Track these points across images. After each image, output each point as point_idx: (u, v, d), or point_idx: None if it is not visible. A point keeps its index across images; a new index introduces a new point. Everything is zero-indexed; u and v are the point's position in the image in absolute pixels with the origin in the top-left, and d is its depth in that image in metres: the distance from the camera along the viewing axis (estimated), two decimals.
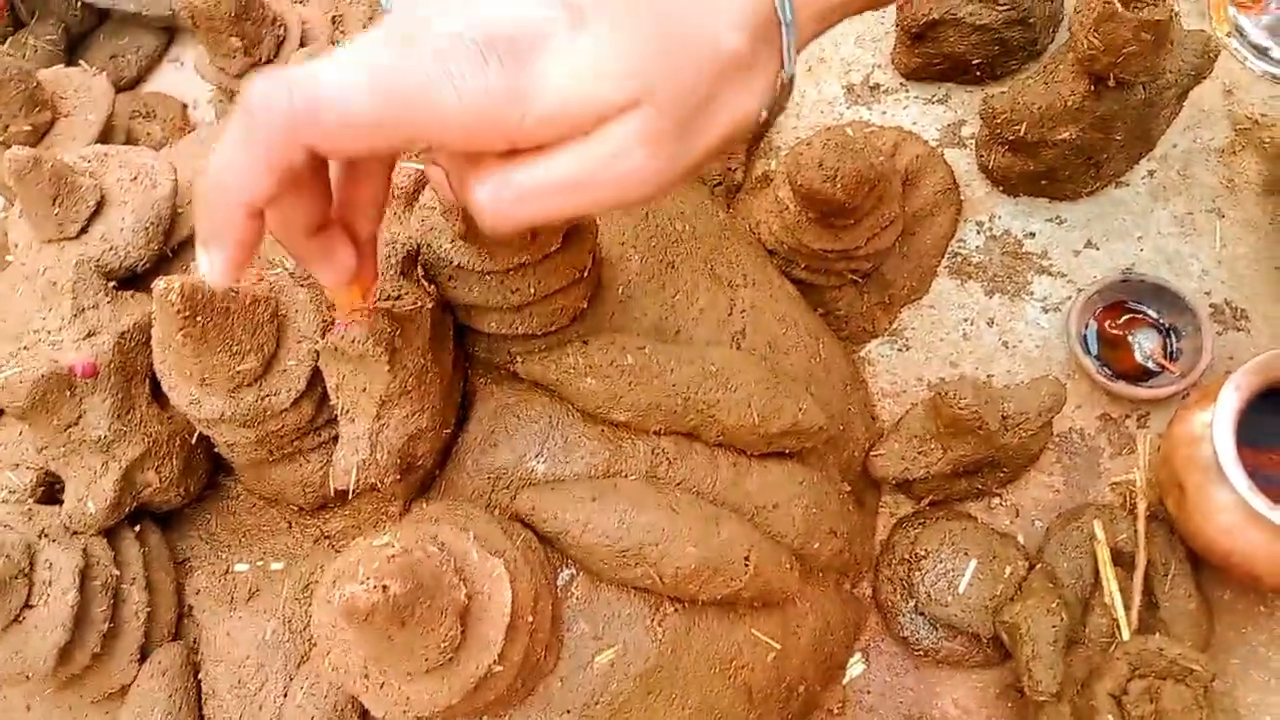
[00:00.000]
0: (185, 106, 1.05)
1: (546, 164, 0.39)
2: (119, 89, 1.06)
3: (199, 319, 0.55)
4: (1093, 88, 0.82)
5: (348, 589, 0.49)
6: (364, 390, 0.59)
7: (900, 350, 0.91)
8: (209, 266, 0.42)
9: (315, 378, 0.62)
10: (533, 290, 0.65)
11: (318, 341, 0.60)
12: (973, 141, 0.96)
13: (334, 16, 0.99)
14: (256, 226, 0.41)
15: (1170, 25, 0.77)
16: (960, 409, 0.75)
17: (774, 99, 0.44)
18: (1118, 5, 0.76)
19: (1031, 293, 0.91)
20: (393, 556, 0.52)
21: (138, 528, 0.67)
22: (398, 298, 0.60)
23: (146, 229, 0.67)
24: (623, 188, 0.40)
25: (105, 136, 0.87)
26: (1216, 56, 0.87)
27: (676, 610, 0.67)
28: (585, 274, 0.68)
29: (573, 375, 0.67)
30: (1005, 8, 0.90)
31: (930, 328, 0.91)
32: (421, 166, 0.74)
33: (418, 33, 0.37)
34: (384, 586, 0.49)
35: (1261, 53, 0.99)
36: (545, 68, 0.38)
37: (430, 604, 0.52)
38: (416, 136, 0.38)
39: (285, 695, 0.64)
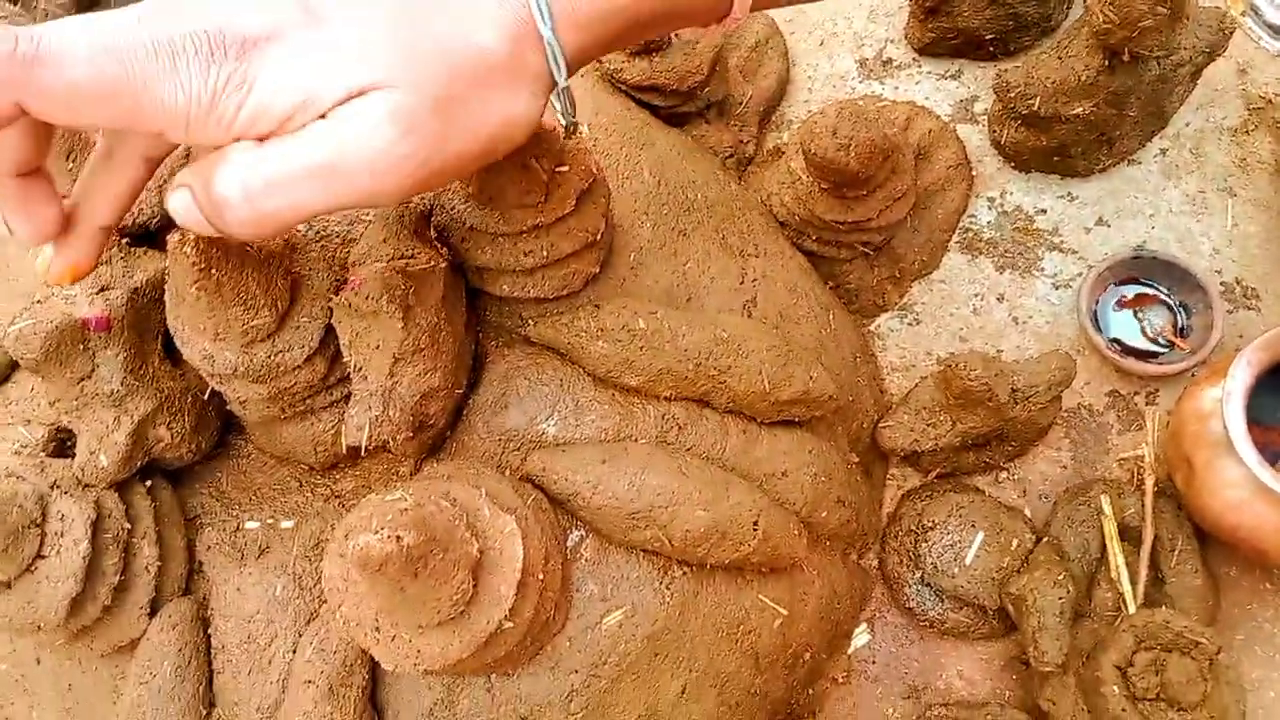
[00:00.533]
0: None
1: (293, 143, 0.39)
2: None
3: (213, 271, 0.55)
4: (1107, 63, 0.82)
5: (362, 539, 0.49)
6: (377, 347, 0.59)
7: (910, 325, 0.91)
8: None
9: (329, 335, 0.62)
10: (545, 254, 0.65)
11: (332, 298, 0.60)
12: (985, 118, 0.96)
13: None
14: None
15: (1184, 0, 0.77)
16: (970, 381, 0.75)
17: (561, 109, 0.45)
18: None
19: (1042, 269, 0.91)
20: (405, 510, 0.52)
21: (149, 483, 0.67)
22: (411, 256, 0.60)
23: (159, 186, 0.67)
24: (375, 173, 0.39)
25: None
26: (1231, 34, 0.87)
27: (685, 574, 0.67)
28: (598, 238, 0.67)
29: (584, 339, 0.67)
30: None
31: (940, 303, 0.91)
32: None
33: (156, 18, 0.38)
34: (398, 537, 0.49)
35: (1276, 32, 0.98)
36: (276, 59, 0.38)
37: (443, 556, 0.52)
38: (133, 120, 0.38)
39: (294, 651, 0.64)
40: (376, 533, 0.49)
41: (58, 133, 0.46)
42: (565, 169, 0.65)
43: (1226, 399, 0.72)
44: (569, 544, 0.65)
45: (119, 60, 0.37)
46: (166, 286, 0.60)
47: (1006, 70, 0.86)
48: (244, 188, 0.40)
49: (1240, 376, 0.72)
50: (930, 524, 0.79)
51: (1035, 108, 0.85)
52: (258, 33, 0.39)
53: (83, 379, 0.62)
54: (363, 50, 0.39)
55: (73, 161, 0.65)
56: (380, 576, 0.50)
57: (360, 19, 0.40)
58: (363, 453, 0.60)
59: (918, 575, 0.80)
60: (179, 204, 0.42)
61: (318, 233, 0.73)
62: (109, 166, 0.46)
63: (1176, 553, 0.78)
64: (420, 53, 0.39)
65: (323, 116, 0.39)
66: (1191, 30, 0.85)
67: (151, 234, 0.68)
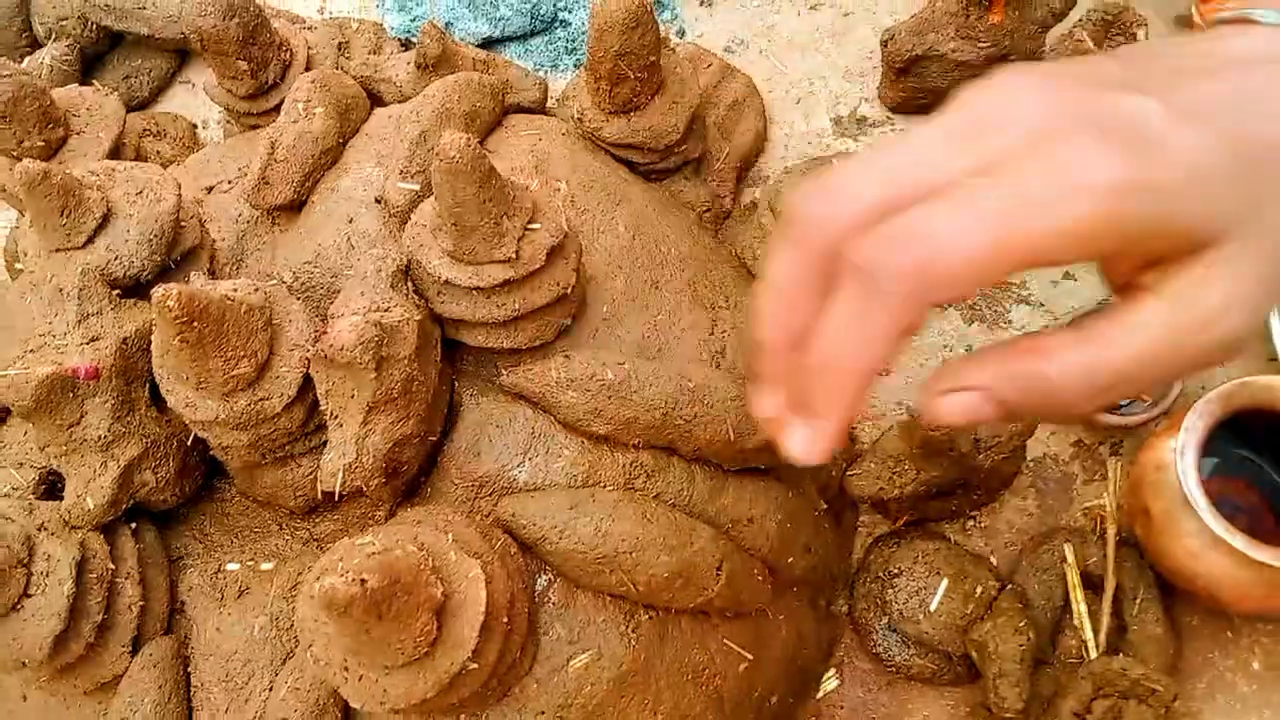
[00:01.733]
0: (195, 126, 1.08)
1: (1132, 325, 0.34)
2: (131, 108, 1.09)
3: (196, 325, 0.58)
4: None
5: (327, 581, 0.51)
6: (352, 397, 0.61)
7: (880, 375, 0.93)
8: (806, 439, 0.39)
9: (307, 384, 0.64)
10: (518, 307, 0.68)
11: (309, 349, 0.62)
12: None
13: (340, 43, 1.02)
14: (865, 393, 0.37)
15: None
16: (932, 430, 0.77)
17: None
18: (1089, 43, 0.79)
19: (1010, 321, 0.93)
20: (372, 554, 0.54)
21: (134, 525, 0.69)
22: (387, 310, 0.63)
23: (150, 240, 0.70)
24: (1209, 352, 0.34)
25: (116, 154, 0.90)
26: None
27: (650, 618, 0.69)
28: (569, 292, 0.70)
29: (555, 389, 0.69)
30: (987, 45, 0.93)
31: (910, 354, 0.93)
32: (417, 187, 0.77)
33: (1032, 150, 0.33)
34: (362, 580, 0.51)
35: None
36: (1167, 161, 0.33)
37: (407, 599, 0.54)
38: (1030, 263, 0.33)
39: (270, 689, 0.66)
40: (342, 575, 0.51)
41: None
42: (536, 226, 0.68)
43: (1180, 450, 0.74)
44: (537, 588, 0.67)
45: (1022, 224, 0.32)
46: (153, 337, 0.63)
47: None
48: (1088, 378, 0.35)
49: (1194, 428, 0.74)
50: (897, 570, 0.81)
51: None
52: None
53: (72, 425, 0.65)
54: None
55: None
56: (346, 618, 0.52)
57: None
58: (336, 498, 0.62)
59: (885, 621, 0.82)
60: (960, 408, 0.37)
61: (303, 284, 0.76)
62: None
63: (1138, 601, 0.80)
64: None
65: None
66: None
67: (141, 286, 0.71)
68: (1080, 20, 0.81)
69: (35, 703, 0.70)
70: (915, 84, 0.98)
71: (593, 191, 0.84)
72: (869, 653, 0.83)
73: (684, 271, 0.83)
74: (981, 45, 0.93)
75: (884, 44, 0.97)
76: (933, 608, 0.80)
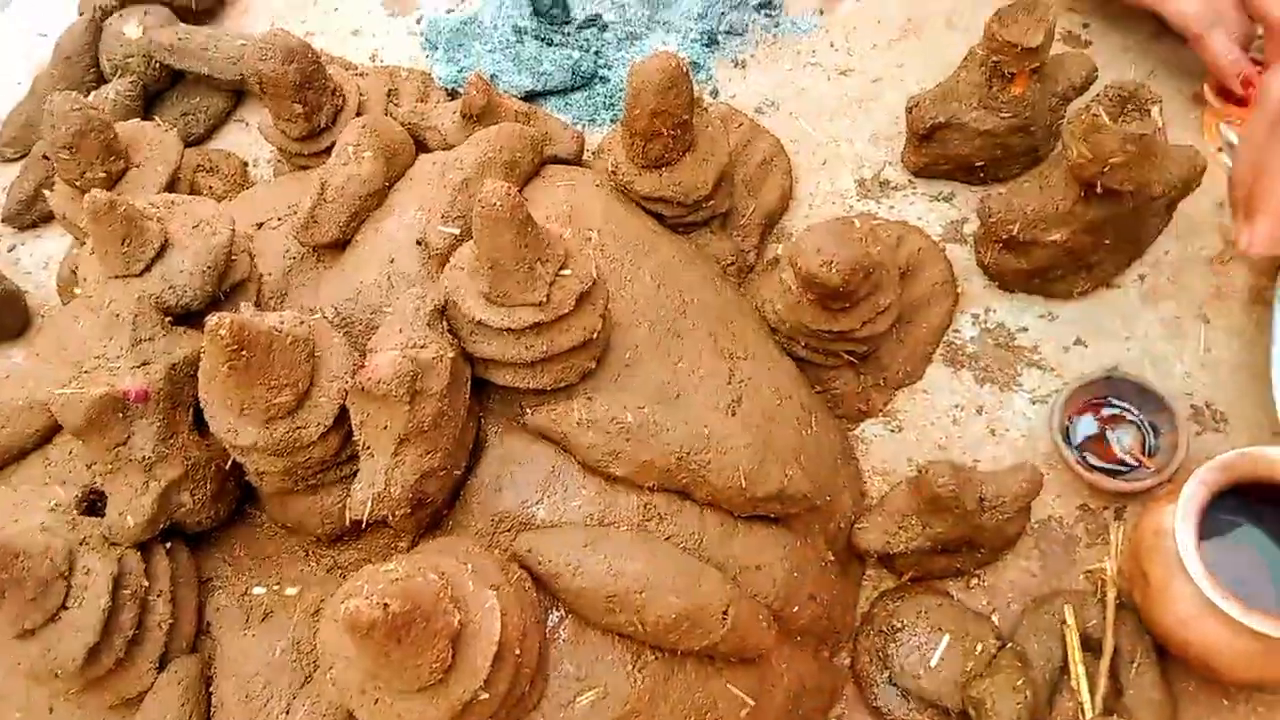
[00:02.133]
0: (245, 164, 1.13)
1: None
2: (187, 144, 1.15)
3: (244, 353, 0.62)
4: (1083, 194, 0.88)
5: (352, 603, 0.54)
6: (384, 428, 0.65)
7: (893, 431, 0.96)
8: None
9: (343, 415, 0.68)
10: (545, 349, 0.72)
11: (347, 381, 0.66)
12: (973, 238, 1.02)
13: (389, 90, 1.07)
14: None
15: (1155, 139, 0.83)
16: (939, 488, 0.79)
17: None
18: (1105, 118, 0.82)
19: (1021, 384, 0.96)
20: (395, 580, 0.57)
21: (169, 545, 0.73)
22: (423, 346, 0.66)
23: (204, 271, 0.74)
24: None
25: (171, 187, 0.95)
26: (1204, 170, 0.93)
27: (657, 659, 0.72)
28: (595, 337, 0.74)
29: (576, 430, 0.73)
30: (1008, 115, 0.97)
31: (922, 412, 0.96)
32: (457, 231, 0.81)
33: None
34: (385, 604, 0.54)
35: None
36: None
37: (426, 625, 0.57)
38: None
39: (288, 712, 0.69)
40: (367, 598, 0.54)
41: None
42: (568, 273, 0.72)
43: (1179, 517, 0.76)
44: (549, 624, 0.70)
45: None
46: (200, 363, 0.67)
47: (989, 196, 0.93)
48: None
49: (1193, 496, 0.76)
50: (899, 625, 0.83)
51: (1015, 233, 0.91)
52: None
53: (119, 445, 0.68)
54: None
55: None
56: (368, 640, 0.55)
57: None
58: (363, 526, 0.65)
59: (886, 675, 0.84)
60: None
61: (343, 319, 0.80)
62: None
63: (1136, 665, 0.82)
64: None
65: None
66: (1165, 165, 0.91)
67: (192, 314, 0.75)
68: (1097, 96, 0.84)
69: (61, 715, 0.73)
70: (938, 150, 1.02)
71: (622, 241, 0.87)
72: (869, 706, 0.85)
73: (705, 322, 0.86)
74: (1003, 115, 0.97)
75: (909, 111, 1.00)
76: (933, 663, 0.81)
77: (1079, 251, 0.93)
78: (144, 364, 0.69)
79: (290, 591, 0.74)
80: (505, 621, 0.61)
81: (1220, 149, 1.06)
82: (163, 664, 0.70)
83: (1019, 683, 0.78)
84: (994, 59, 0.93)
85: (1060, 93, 0.98)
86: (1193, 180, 0.93)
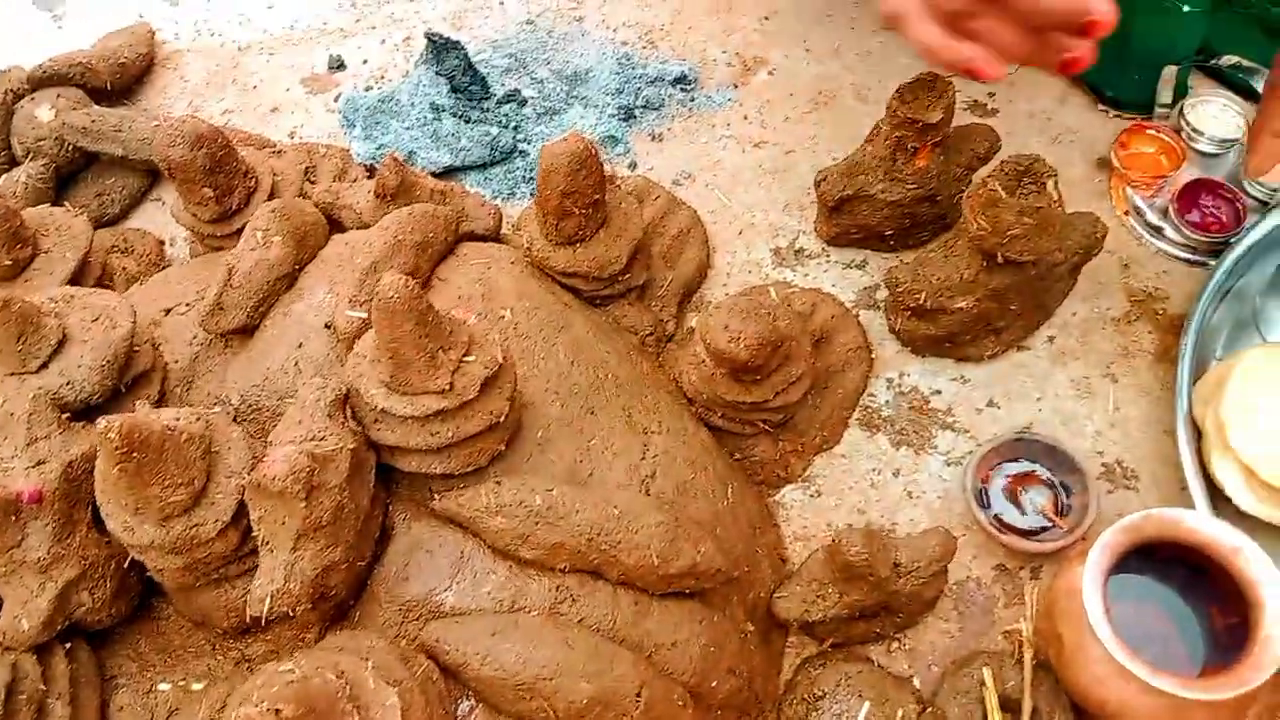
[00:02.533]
0: (163, 243, 1.13)
1: None
2: (103, 224, 1.14)
3: (135, 455, 0.61)
4: (985, 263, 0.90)
5: (242, 711, 0.53)
6: (282, 524, 0.64)
7: (812, 496, 0.96)
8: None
9: (242, 510, 0.67)
10: (451, 435, 0.72)
11: (245, 477, 0.65)
12: (884, 305, 1.04)
13: (307, 168, 1.08)
14: None
15: (1051, 211, 0.86)
16: (852, 556, 0.80)
17: None
18: (1001, 192, 0.85)
19: (935, 446, 0.97)
20: (291, 681, 0.57)
21: (69, 645, 0.71)
22: (322, 439, 0.66)
23: (103, 366, 0.73)
24: None
25: (81, 271, 0.94)
26: (1105, 236, 0.96)
27: None
28: (502, 420, 0.74)
29: (484, 514, 0.72)
30: (914, 187, 0.99)
31: (841, 476, 0.97)
32: (364, 315, 0.81)
33: None
34: (276, 710, 0.54)
35: (1156, 232, 1.08)
36: None
37: None
38: None
39: None
40: (257, 704, 0.54)
41: None
42: (471, 359, 0.72)
43: (1087, 579, 0.77)
44: (459, 712, 0.69)
45: None
46: (96, 463, 0.66)
47: (895, 266, 0.95)
48: None
49: (1098, 559, 0.77)
50: (820, 693, 0.83)
51: (922, 301, 0.93)
52: None
53: (11, 547, 0.67)
54: None
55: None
56: None
57: None
58: (263, 622, 0.64)
59: None
60: None
61: (250, 406, 0.79)
62: None
63: None
64: None
65: None
66: (1066, 233, 0.94)
67: (92, 409, 0.74)
68: (994, 171, 0.87)
69: None
70: (849, 220, 1.04)
71: (536, 319, 0.88)
72: None
73: (620, 397, 0.86)
74: (909, 187, 0.99)
75: (817, 184, 1.03)
76: None
77: (986, 317, 0.95)
78: (39, 463, 0.68)
79: (196, 686, 0.73)
80: (406, 717, 0.60)
81: (1127, 212, 1.09)
82: None
83: None
84: (897, 133, 0.96)
85: (965, 163, 1.01)
86: (1094, 246, 0.96)
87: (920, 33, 0.71)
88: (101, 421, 0.60)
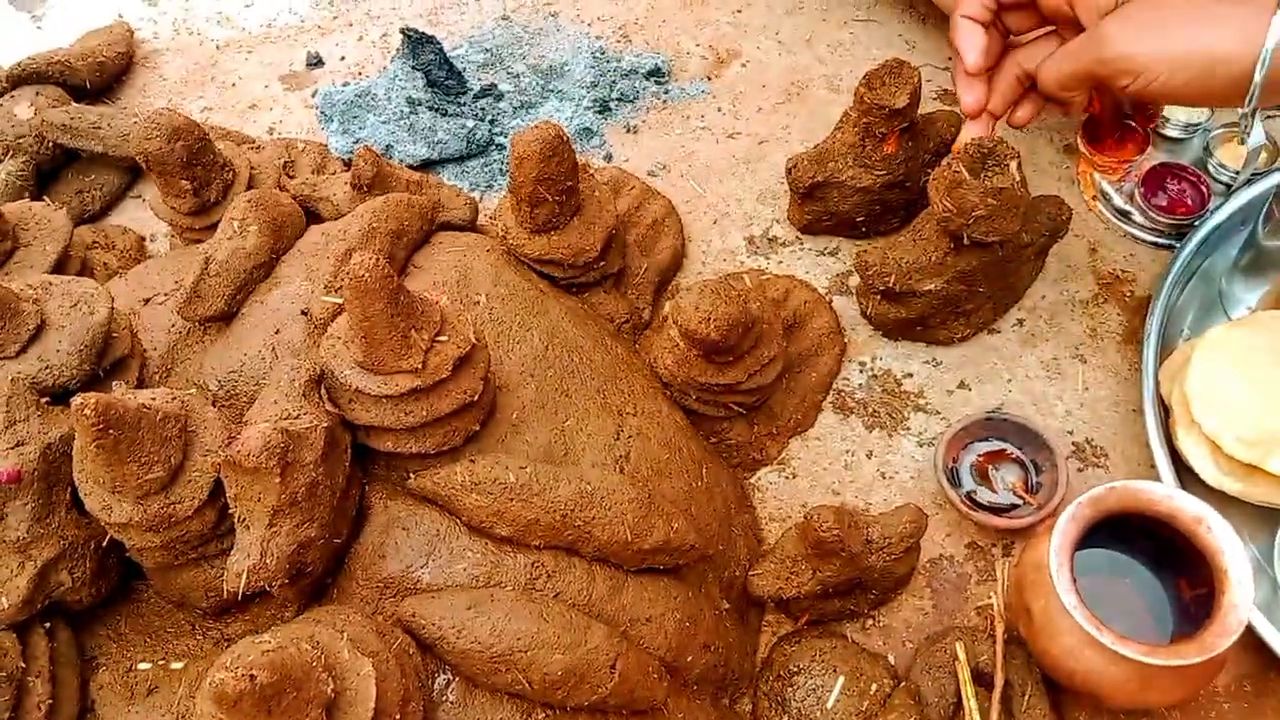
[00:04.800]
0: (143, 239, 1.14)
1: None
2: (83, 221, 1.15)
3: (111, 432, 0.62)
4: (953, 246, 0.92)
5: (218, 675, 0.54)
6: (258, 500, 0.65)
7: (787, 478, 0.98)
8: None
9: (219, 489, 0.68)
10: (425, 414, 0.73)
11: (220, 454, 0.66)
12: (856, 290, 1.05)
13: (285, 162, 1.09)
14: None
15: (1014, 192, 0.87)
16: (823, 532, 0.81)
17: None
18: (965, 173, 0.87)
19: (908, 428, 0.99)
20: (266, 650, 0.57)
21: (48, 624, 0.72)
22: (296, 417, 0.67)
23: (81, 351, 0.74)
24: None
25: (61, 265, 0.95)
26: (1069, 218, 0.98)
27: (547, 716, 0.72)
28: (477, 399, 0.75)
29: (459, 491, 0.73)
30: (882, 173, 1.01)
31: (815, 458, 0.98)
32: (340, 300, 0.82)
33: None
34: (251, 675, 0.54)
35: (1124, 216, 1.10)
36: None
37: (297, 695, 0.57)
38: None
39: None
40: (232, 670, 0.54)
41: None
42: (444, 339, 0.73)
43: (1054, 551, 0.78)
44: (436, 686, 0.70)
45: None
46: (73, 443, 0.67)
47: (864, 250, 0.96)
48: None
49: (1065, 530, 0.79)
50: (796, 669, 0.84)
51: (891, 284, 0.95)
52: None
53: None
54: None
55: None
56: (236, 712, 0.55)
57: None
58: (239, 598, 0.65)
59: (785, 719, 0.84)
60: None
61: (227, 392, 0.80)
62: None
63: (1026, 698, 0.83)
64: None
65: None
66: (1032, 216, 0.96)
67: (70, 393, 0.75)
68: (957, 154, 0.89)
69: None
70: (820, 207, 1.06)
71: (510, 304, 0.89)
72: None
73: (594, 380, 0.88)
74: (877, 173, 1.01)
75: (788, 171, 1.04)
76: (829, 705, 0.83)
77: (955, 299, 0.97)
78: (18, 444, 0.69)
79: (176, 665, 0.73)
80: (383, 688, 0.61)
81: (1094, 197, 1.11)
82: None
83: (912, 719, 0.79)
84: (865, 120, 0.98)
85: (932, 149, 1.03)
86: (1059, 228, 0.98)
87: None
88: (77, 399, 0.61)
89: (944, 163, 0.90)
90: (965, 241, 0.90)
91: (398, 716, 0.63)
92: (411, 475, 0.76)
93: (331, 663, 0.61)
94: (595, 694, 0.71)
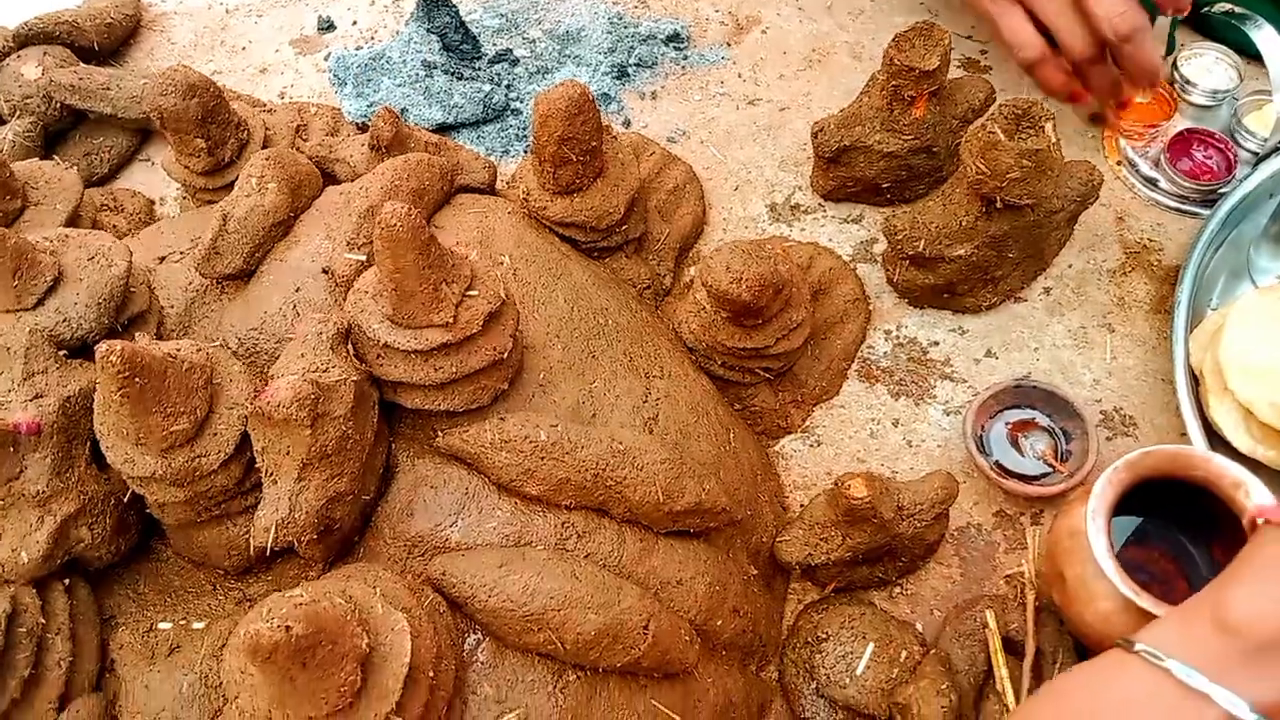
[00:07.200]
0: (152, 203, 1.11)
1: None
2: (91, 184, 1.12)
3: (137, 380, 0.60)
4: (984, 210, 0.90)
5: (253, 627, 0.53)
6: (286, 454, 0.63)
7: (812, 446, 0.96)
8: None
9: (245, 443, 0.66)
10: (454, 370, 0.71)
11: (247, 407, 0.65)
12: (882, 257, 1.04)
13: (298, 126, 1.06)
14: None
15: (1050, 154, 0.86)
16: (855, 499, 0.80)
17: None
18: (1000, 135, 0.85)
19: (934, 396, 0.97)
20: (300, 604, 0.56)
21: (68, 581, 0.70)
22: (325, 370, 0.65)
23: (99, 304, 0.72)
24: None
25: (71, 224, 0.93)
26: (1100, 184, 0.96)
27: (579, 678, 0.70)
28: (505, 357, 0.73)
29: (489, 450, 0.72)
30: (910, 137, 0.99)
31: (840, 426, 0.97)
32: (363, 258, 0.80)
33: None
34: (287, 627, 0.53)
35: (1150, 183, 1.08)
36: None
37: (332, 648, 0.55)
38: None
39: None
40: (267, 621, 0.53)
41: None
42: (475, 293, 0.72)
43: (1091, 515, 0.77)
44: (466, 646, 0.69)
45: None
46: (96, 393, 0.65)
47: (893, 215, 0.95)
48: None
49: (1102, 494, 0.77)
50: (824, 635, 0.83)
51: (920, 249, 0.93)
52: None
53: (10, 479, 0.66)
54: None
55: None
56: (270, 664, 0.53)
57: None
58: (268, 553, 0.64)
59: (813, 686, 0.83)
60: None
61: (247, 350, 0.79)
62: None
63: (1058, 665, 0.82)
64: None
65: None
66: (1063, 180, 0.94)
67: (88, 347, 0.73)
68: (992, 114, 0.87)
69: None
70: (845, 173, 1.04)
71: (534, 265, 0.88)
72: (798, 718, 0.84)
73: (620, 342, 0.86)
74: (905, 138, 1.00)
75: (814, 135, 1.03)
76: (859, 672, 0.81)
77: (984, 266, 0.95)
78: (37, 397, 0.67)
79: (197, 625, 0.71)
80: (417, 644, 0.60)
81: (1120, 163, 1.10)
82: (63, 704, 0.67)
83: (943, 687, 0.78)
84: (894, 83, 0.96)
85: (960, 114, 1.01)
86: (1090, 193, 0.96)
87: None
88: (102, 345, 0.59)
89: (978, 124, 0.88)
90: (998, 205, 0.89)
91: (431, 673, 0.61)
92: (438, 433, 0.74)
93: (365, 617, 0.59)
94: (629, 655, 0.69)
